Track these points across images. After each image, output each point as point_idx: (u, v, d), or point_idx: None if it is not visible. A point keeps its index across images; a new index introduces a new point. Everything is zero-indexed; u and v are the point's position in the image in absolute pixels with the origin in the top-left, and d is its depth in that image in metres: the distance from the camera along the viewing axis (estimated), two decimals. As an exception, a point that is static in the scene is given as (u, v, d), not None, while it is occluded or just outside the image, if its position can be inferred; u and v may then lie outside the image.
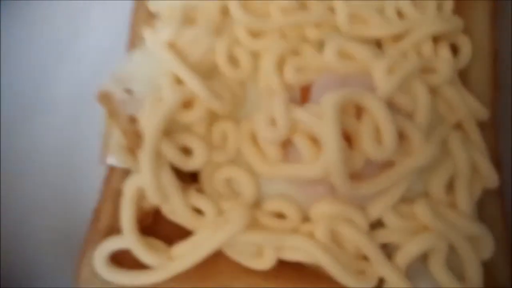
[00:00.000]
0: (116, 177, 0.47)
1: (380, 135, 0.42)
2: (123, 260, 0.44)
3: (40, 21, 0.56)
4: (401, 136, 0.43)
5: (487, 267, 0.45)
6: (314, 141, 0.43)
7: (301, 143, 0.43)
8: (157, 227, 0.45)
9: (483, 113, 0.47)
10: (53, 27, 0.56)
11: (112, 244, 0.44)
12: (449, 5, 0.50)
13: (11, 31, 0.55)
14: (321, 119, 0.41)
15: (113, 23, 0.53)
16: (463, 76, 0.49)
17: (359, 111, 0.43)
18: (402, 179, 0.43)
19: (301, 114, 0.42)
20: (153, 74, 0.46)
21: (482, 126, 0.48)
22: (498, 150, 0.48)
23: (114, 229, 0.45)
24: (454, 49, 0.50)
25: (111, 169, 0.47)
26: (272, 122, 0.44)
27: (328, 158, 0.41)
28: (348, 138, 0.43)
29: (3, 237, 0.49)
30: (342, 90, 0.42)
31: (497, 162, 0.48)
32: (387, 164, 0.43)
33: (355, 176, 0.43)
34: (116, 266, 0.44)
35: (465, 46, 0.49)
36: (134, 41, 0.50)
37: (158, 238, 0.45)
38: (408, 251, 0.43)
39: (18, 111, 0.53)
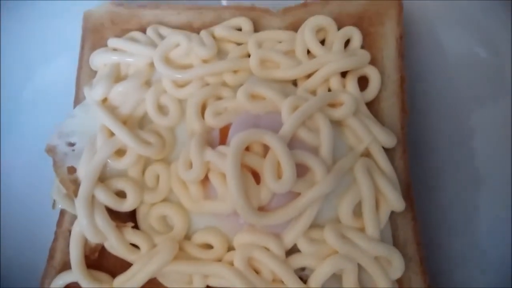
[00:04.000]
0: (67, 219, 0.54)
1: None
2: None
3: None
4: (307, 169, 0.48)
5: (403, 285, 0.49)
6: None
7: (214, 182, 0.48)
8: (103, 261, 0.52)
9: (390, 139, 0.50)
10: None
11: (64, 279, 0.51)
12: (357, 40, 0.53)
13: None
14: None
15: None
16: (375, 105, 0.53)
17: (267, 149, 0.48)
18: (308, 208, 0.47)
19: (210, 155, 0.47)
20: (91, 128, 0.52)
21: (392, 151, 0.51)
22: (408, 173, 0.51)
23: (67, 264, 0.52)
24: (366, 80, 0.53)
25: (62, 213, 0.53)
26: (190, 163, 0.49)
27: (231, 195, 0.45)
28: (257, 175, 0.48)
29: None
30: (247, 131, 0.47)
31: (407, 185, 0.50)
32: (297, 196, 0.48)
33: (267, 209, 0.48)
34: (70, 297, 0.51)
35: (374, 77, 0.53)
36: (79, 96, 0.57)
37: (105, 270, 0.51)
38: (320, 273, 0.46)
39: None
